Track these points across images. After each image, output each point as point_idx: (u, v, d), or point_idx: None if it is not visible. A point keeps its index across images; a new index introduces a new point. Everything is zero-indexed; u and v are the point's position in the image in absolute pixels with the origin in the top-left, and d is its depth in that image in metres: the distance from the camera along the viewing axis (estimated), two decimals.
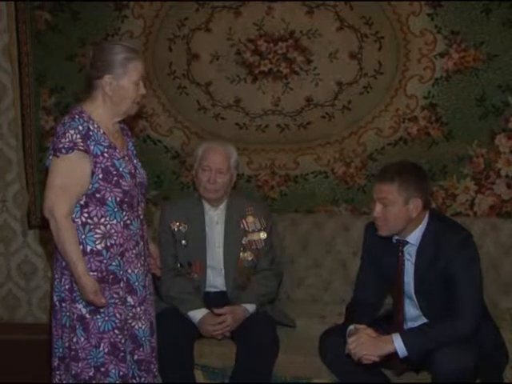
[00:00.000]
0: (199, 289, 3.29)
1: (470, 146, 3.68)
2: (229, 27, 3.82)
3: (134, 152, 2.86)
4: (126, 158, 2.74)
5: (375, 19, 3.69)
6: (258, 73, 3.84)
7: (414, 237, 2.84)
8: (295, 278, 3.74)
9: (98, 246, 2.64)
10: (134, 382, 2.78)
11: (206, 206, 3.32)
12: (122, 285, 2.69)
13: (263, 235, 3.33)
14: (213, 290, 3.31)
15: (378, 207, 2.80)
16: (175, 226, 3.30)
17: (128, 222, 2.70)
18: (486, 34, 3.58)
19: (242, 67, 3.85)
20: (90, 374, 2.68)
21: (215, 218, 3.31)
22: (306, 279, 3.74)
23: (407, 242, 2.86)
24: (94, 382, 2.68)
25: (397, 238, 2.87)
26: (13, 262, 4.31)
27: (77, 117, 2.63)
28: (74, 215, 2.62)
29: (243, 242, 3.30)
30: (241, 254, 3.30)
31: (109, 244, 2.65)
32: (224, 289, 3.30)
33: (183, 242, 3.29)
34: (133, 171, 2.74)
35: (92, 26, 3.93)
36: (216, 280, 3.31)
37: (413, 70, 3.69)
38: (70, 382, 2.70)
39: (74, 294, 2.65)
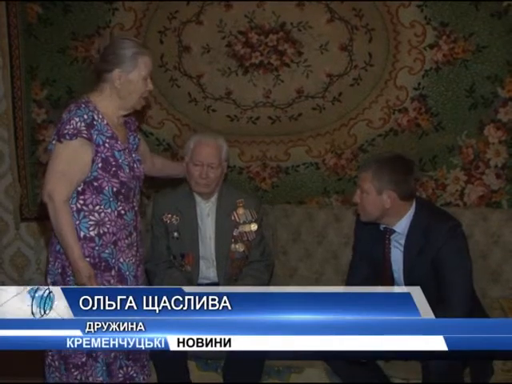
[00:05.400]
0: (192, 280, 3.31)
1: (460, 136, 3.70)
2: (220, 20, 3.83)
3: (135, 146, 2.90)
4: (127, 150, 2.79)
5: (365, 11, 3.70)
6: (248, 65, 3.85)
7: (401, 226, 2.86)
8: (287, 268, 3.76)
9: (91, 233, 2.70)
10: (122, 372, 2.82)
11: (198, 198, 3.33)
12: (113, 273, 2.74)
13: (254, 227, 3.35)
14: (205, 281, 3.33)
15: (358, 193, 2.87)
16: (167, 219, 3.31)
17: (122, 212, 2.75)
18: (475, 26, 3.60)
19: (233, 59, 3.86)
20: (83, 359, 2.72)
21: (206, 210, 3.33)
22: (297, 270, 3.76)
23: (394, 231, 2.89)
24: (85, 368, 2.72)
25: (384, 226, 2.91)
26: (5, 255, 4.30)
27: (83, 106, 2.69)
28: (70, 201, 2.67)
29: (234, 234, 3.31)
30: (232, 245, 3.31)
31: (101, 232, 2.70)
32: (216, 280, 3.32)
33: (175, 234, 3.30)
34: (131, 164, 2.79)
35: (83, 18, 3.92)
36: (208, 272, 3.33)
37: (403, 62, 3.71)
38: (61, 362, 2.75)
39: (67, 279, 2.70)
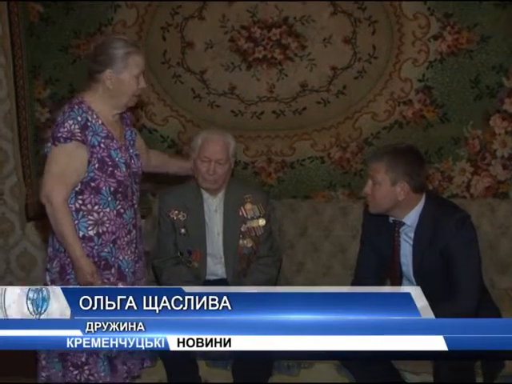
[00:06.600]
0: (199, 277, 3.30)
1: (466, 127, 3.69)
2: (222, 15, 3.82)
3: (132, 142, 2.90)
4: (123, 147, 2.80)
5: (368, 4, 3.69)
6: (252, 60, 3.84)
7: (411, 218, 2.85)
8: (294, 263, 3.75)
9: (90, 233, 2.72)
10: (125, 367, 2.84)
11: (205, 194, 3.32)
12: (113, 271, 2.77)
13: (262, 222, 3.34)
14: (213, 277, 3.32)
15: (369, 184, 2.84)
16: (174, 215, 3.30)
17: (121, 210, 2.77)
18: (479, 16, 3.59)
19: (237, 54, 3.85)
20: (82, 359, 2.74)
21: (214, 206, 3.32)
22: (305, 264, 3.76)
23: (403, 223, 2.88)
24: (85, 367, 2.74)
25: (393, 218, 2.90)
26: (12, 255, 4.32)
27: (76, 107, 2.69)
28: (68, 201, 2.70)
29: (242, 230, 3.30)
30: (240, 241, 3.30)
31: (101, 231, 2.73)
32: (224, 276, 3.31)
33: (182, 230, 3.30)
34: (128, 161, 2.80)
35: (85, 16, 3.92)
36: (216, 268, 3.32)
37: (407, 54, 3.70)
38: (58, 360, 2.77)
39: (67, 277, 2.72)
